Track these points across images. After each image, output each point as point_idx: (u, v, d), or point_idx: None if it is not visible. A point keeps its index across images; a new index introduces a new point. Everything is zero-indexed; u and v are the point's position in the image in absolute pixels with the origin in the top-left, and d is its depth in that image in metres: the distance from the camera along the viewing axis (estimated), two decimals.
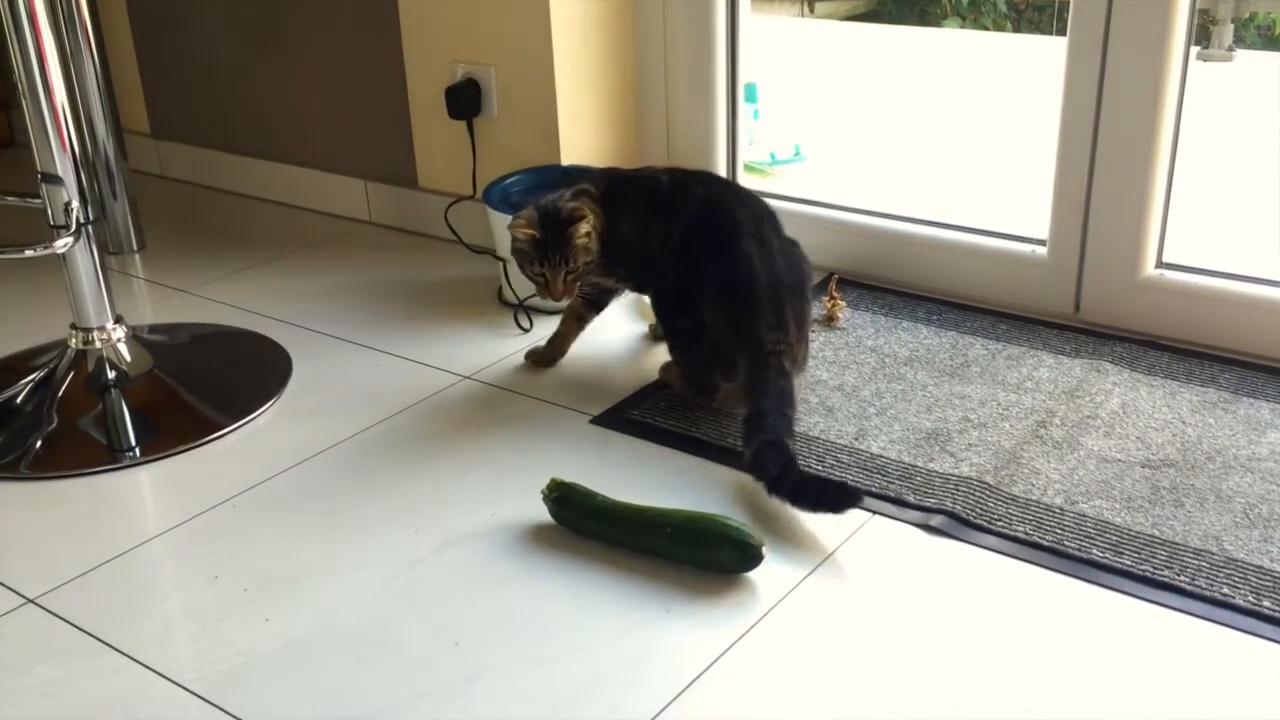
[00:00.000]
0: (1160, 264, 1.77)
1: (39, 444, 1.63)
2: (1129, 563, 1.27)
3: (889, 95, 3.48)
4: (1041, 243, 1.85)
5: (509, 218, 1.72)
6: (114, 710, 1.13)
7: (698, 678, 1.14)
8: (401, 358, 1.81)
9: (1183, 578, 1.24)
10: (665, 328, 1.65)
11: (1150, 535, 1.31)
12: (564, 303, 1.64)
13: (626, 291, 1.74)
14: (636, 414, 1.61)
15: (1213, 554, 1.27)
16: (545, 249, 1.56)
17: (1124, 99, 1.70)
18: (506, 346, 1.83)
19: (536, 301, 1.90)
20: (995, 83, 3.59)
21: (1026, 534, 1.32)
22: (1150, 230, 1.75)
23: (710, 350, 1.56)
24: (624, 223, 1.61)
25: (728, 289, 1.54)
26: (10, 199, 1.87)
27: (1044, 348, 1.74)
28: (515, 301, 1.90)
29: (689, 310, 1.58)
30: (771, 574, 1.27)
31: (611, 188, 1.64)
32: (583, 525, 1.36)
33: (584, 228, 1.56)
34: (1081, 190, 1.77)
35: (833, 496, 1.35)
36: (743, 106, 2.14)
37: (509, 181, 2.01)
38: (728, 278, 1.55)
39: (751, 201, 1.65)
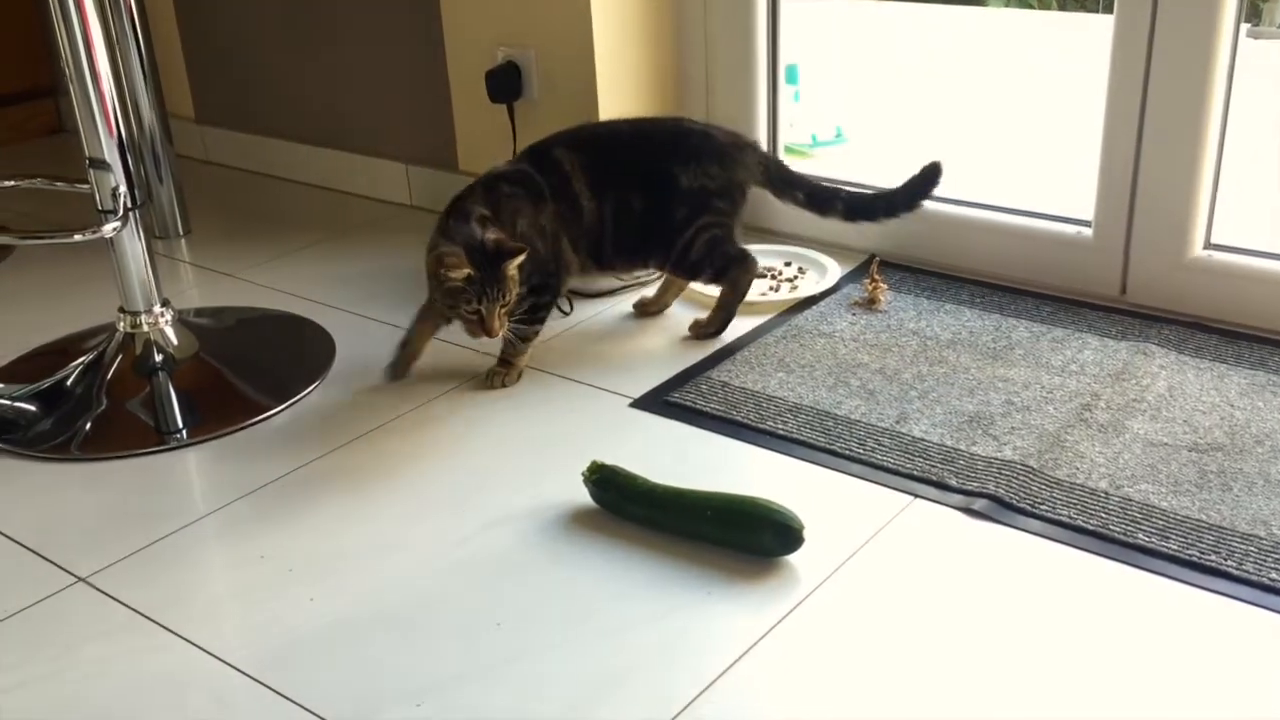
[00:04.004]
0: (1208, 245, 1.75)
1: (88, 425, 1.65)
2: (1175, 547, 1.25)
3: (932, 76, 3.44)
4: (1087, 224, 1.83)
5: None
6: (163, 687, 1.15)
7: (738, 660, 1.14)
8: (443, 340, 1.82)
9: (1230, 562, 1.23)
10: (677, 234, 1.71)
11: (1197, 519, 1.29)
12: (497, 339, 1.60)
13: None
14: (676, 397, 1.61)
15: (1261, 539, 1.26)
16: (482, 286, 1.53)
17: (1172, 77, 1.67)
18: (546, 330, 1.83)
19: (576, 284, 1.90)
20: (1040, 62, 3.54)
21: (1071, 518, 1.31)
22: (1198, 210, 1.72)
23: (731, 207, 1.73)
24: (520, 223, 1.62)
25: (692, 146, 1.72)
26: (59, 184, 1.90)
27: (1089, 330, 1.72)
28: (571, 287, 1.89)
29: (674, 205, 1.70)
30: (812, 557, 1.27)
31: (494, 197, 1.63)
32: (623, 508, 1.36)
33: (518, 260, 1.54)
34: (1128, 170, 1.75)
35: (926, 184, 1.73)
36: (784, 88, 2.12)
37: None
38: (685, 138, 1.73)
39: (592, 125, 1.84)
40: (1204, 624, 1.16)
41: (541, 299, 1.68)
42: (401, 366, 1.72)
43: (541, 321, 1.70)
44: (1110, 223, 1.79)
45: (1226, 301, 1.72)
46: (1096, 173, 1.79)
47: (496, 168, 1.72)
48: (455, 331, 1.84)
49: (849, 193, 1.79)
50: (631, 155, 1.73)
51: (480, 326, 1.57)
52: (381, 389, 1.69)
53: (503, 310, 1.56)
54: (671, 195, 1.70)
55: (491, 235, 1.55)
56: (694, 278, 1.79)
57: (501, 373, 1.69)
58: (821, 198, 1.78)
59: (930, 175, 1.74)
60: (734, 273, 1.76)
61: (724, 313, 1.78)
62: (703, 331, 1.78)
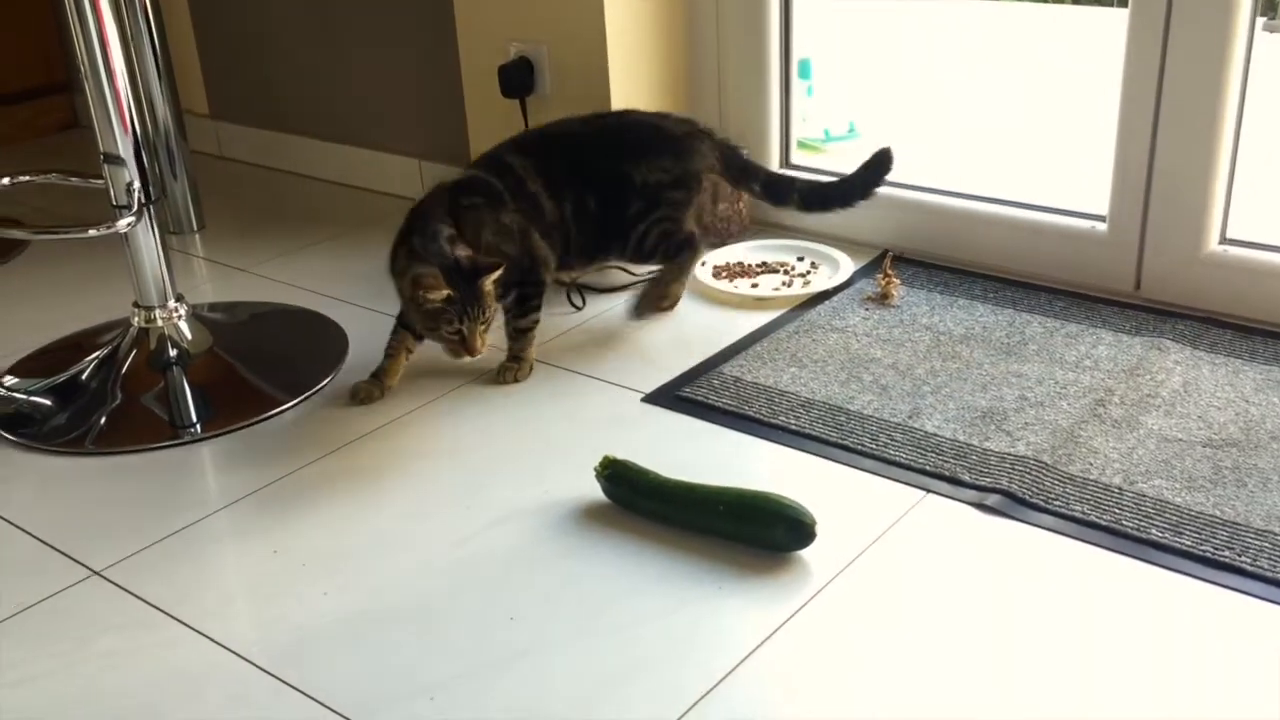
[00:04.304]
0: (1224, 240, 1.74)
1: (103, 420, 1.66)
2: (1189, 543, 1.25)
3: (945, 70, 3.43)
4: (1101, 219, 1.82)
5: None
6: (177, 681, 1.16)
7: (749, 655, 1.14)
8: None
9: (1244, 559, 1.22)
10: (632, 227, 1.71)
11: (1211, 515, 1.29)
12: (478, 356, 1.57)
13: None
14: (688, 391, 1.61)
15: (1275, 534, 1.25)
16: (463, 305, 1.52)
17: (1187, 71, 1.66)
18: (558, 325, 1.83)
19: (588, 279, 1.90)
20: (1055, 56, 3.53)
21: (1084, 513, 1.31)
22: (1214, 205, 1.71)
23: (685, 197, 1.73)
24: (485, 233, 1.61)
25: (644, 141, 1.72)
26: (73, 180, 1.90)
27: (1103, 325, 1.72)
28: (566, 280, 1.90)
29: (629, 201, 1.70)
30: (824, 552, 1.27)
31: (455, 210, 1.61)
32: (635, 502, 1.36)
33: (495, 275, 1.53)
34: (1143, 165, 1.74)
35: (877, 171, 1.74)
36: (796, 83, 2.12)
37: None
38: (637, 133, 1.74)
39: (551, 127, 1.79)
40: (1217, 620, 1.16)
41: (525, 290, 1.68)
42: (368, 395, 1.65)
43: (536, 310, 1.69)
44: (1125, 217, 1.79)
45: (1241, 297, 1.71)
46: (1111, 167, 1.78)
47: (449, 179, 1.69)
48: None
49: (804, 182, 1.80)
50: (584, 155, 1.72)
51: (462, 346, 1.56)
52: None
53: (483, 329, 1.56)
54: (627, 192, 1.70)
55: (464, 253, 1.54)
56: (648, 262, 1.80)
57: (513, 368, 1.69)
58: (777, 188, 1.79)
59: (881, 161, 1.76)
60: (684, 256, 1.77)
61: (660, 285, 1.79)
62: (657, 306, 1.80)
